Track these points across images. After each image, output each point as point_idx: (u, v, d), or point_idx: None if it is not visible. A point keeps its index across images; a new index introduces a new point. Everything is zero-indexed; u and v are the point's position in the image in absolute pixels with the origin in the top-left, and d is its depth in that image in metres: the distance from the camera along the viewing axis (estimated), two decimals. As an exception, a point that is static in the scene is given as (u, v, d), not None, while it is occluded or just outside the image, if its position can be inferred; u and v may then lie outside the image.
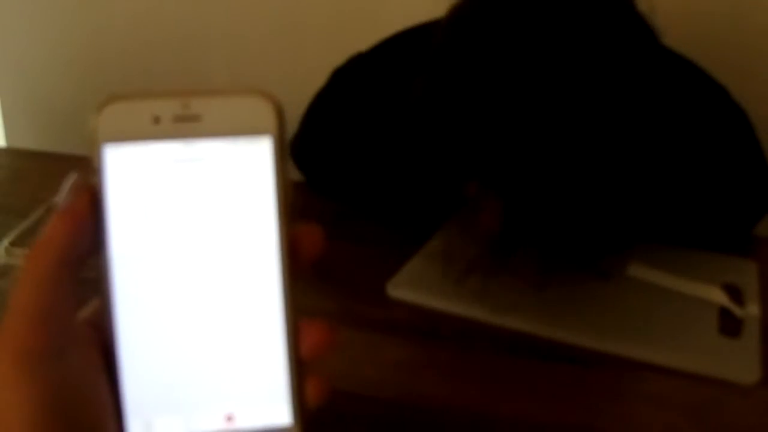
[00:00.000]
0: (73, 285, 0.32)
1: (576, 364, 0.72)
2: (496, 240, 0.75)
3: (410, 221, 1.02)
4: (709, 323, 0.76)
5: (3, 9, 1.48)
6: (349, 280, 0.84)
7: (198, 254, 0.33)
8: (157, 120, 0.32)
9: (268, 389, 0.34)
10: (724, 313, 0.78)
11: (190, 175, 0.32)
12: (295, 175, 1.08)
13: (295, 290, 0.34)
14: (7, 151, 1.35)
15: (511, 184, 0.72)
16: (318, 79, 1.02)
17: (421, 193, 0.98)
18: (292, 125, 1.06)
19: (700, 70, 0.90)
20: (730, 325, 0.76)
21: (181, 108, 0.32)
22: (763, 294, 0.82)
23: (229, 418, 0.34)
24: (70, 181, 0.41)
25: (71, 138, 1.13)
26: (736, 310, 0.78)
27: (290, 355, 0.33)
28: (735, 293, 0.81)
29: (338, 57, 1.01)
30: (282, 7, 1.23)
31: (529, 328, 0.76)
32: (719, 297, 0.80)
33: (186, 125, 0.32)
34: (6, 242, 0.84)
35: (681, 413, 0.66)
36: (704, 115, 0.90)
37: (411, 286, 0.82)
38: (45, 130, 1.55)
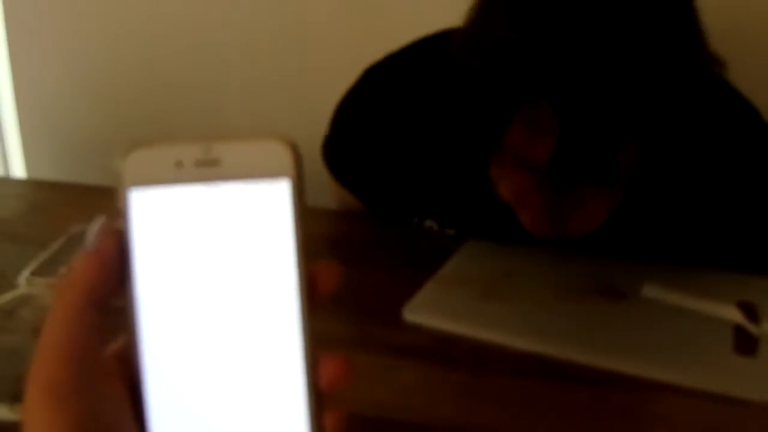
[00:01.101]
0: (101, 322, 0.33)
1: (590, 384, 0.72)
2: (553, 165, 0.73)
3: (435, 220, 1.03)
4: (724, 342, 0.77)
5: (26, 40, 1.50)
6: (365, 305, 0.84)
7: (220, 292, 0.34)
8: (179, 164, 0.33)
9: (289, 422, 0.34)
10: (739, 332, 0.78)
11: (212, 217, 0.34)
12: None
13: (313, 325, 0.35)
14: (27, 182, 1.37)
15: (572, 97, 0.70)
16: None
17: (449, 191, 1.00)
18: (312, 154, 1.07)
19: (731, 86, 0.90)
20: (745, 343, 0.76)
21: (203, 153, 0.33)
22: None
23: None
24: (99, 223, 0.43)
25: (90, 169, 1.14)
26: (752, 328, 0.78)
27: (309, 388, 0.34)
28: (750, 311, 0.81)
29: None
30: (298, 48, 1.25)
31: (542, 350, 0.76)
32: (734, 315, 0.80)
33: (207, 169, 0.33)
34: (27, 272, 0.86)
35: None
36: (732, 132, 0.90)
37: (427, 310, 0.82)
38: (65, 161, 1.57)
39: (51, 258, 0.88)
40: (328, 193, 1.13)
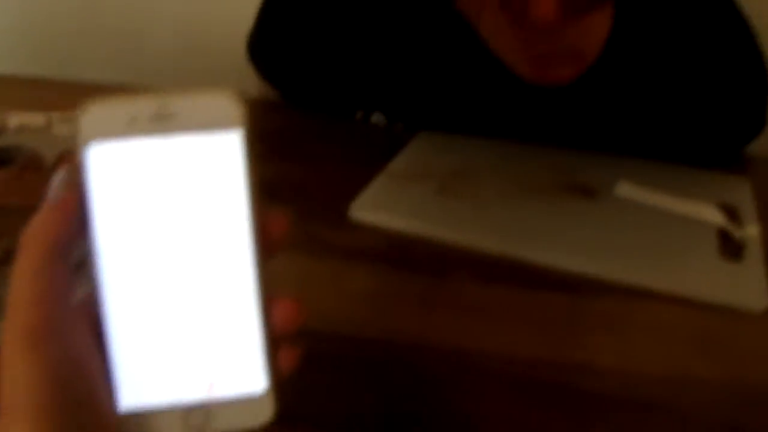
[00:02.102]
0: (66, 271, 0.35)
1: (565, 291, 0.64)
2: None
3: (383, 112, 0.93)
4: (708, 246, 0.69)
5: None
6: (308, 203, 0.74)
7: (177, 240, 0.36)
8: (134, 119, 0.35)
9: (245, 361, 0.37)
10: (723, 235, 0.71)
11: (168, 168, 0.35)
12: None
13: (266, 270, 0.37)
14: None
15: None
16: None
17: (395, 77, 0.89)
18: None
19: None
20: (730, 247, 0.69)
21: (157, 107, 0.35)
22: (761, 214, 0.75)
23: (211, 387, 0.37)
24: (59, 176, 0.44)
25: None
26: (735, 231, 0.71)
27: (264, 330, 0.37)
28: (731, 213, 0.74)
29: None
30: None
31: (510, 251, 0.67)
32: (716, 217, 0.73)
33: (162, 123, 0.35)
34: None
35: (686, 344, 0.59)
36: (703, 20, 0.81)
37: (377, 208, 0.73)
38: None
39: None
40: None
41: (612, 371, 0.56)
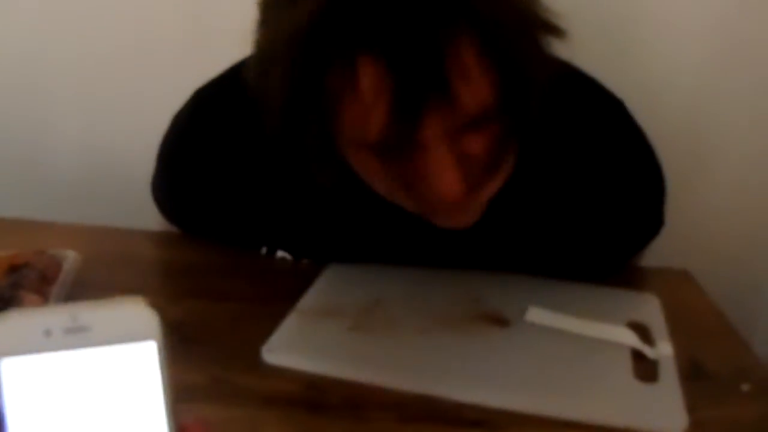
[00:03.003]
0: None
1: (484, 428, 0.63)
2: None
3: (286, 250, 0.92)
4: (622, 368, 0.69)
5: None
6: (217, 345, 0.72)
7: None
8: (48, 333, 0.34)
9: None
10: (636, 355, 0.72)
11: (84, 380, 0.35)
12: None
13: None
14: None
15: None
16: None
17: (295, 217, 0.89)
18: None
19: (595, 82, 0.84)
20: (645, 368, 0.70)
21: (71, 320, 0.34)
22: (671, 331, 0.76)
23: None
24: None
25: None
26: (649, 352, 0.72)
27: None
28: (643, 332, 0.75)
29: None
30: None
31: (428, 390, 0.66)
32: (628, 338, 0.73)
33: (76, 336, 0.34)
34: None
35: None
36: (598, 131, 0.83)
37: (289, 349, 0.71)
38: None
39: None
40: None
41: None
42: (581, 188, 0.83)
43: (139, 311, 0.35)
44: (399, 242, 0.87)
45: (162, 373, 0.36)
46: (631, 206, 0.86)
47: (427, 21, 0.58)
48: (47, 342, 0.34)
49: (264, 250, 0.93)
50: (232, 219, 0.92)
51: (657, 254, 0.94)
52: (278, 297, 0.80)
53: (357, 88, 0.60)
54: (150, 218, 1.00)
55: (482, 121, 0.64)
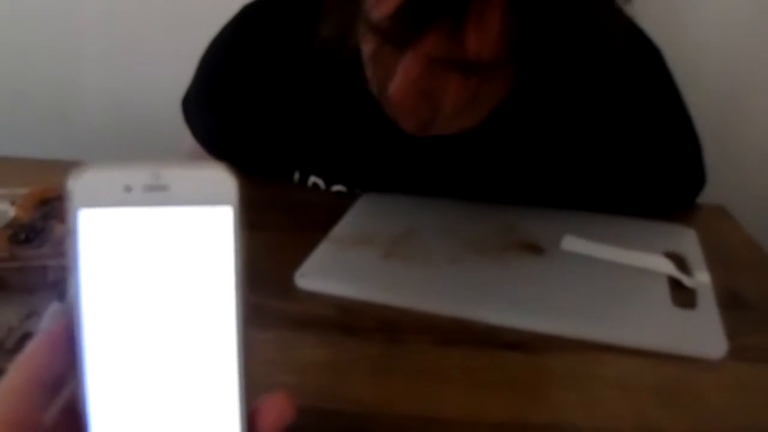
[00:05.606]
0: (45, 400, 0.36)
1: (523, 350, 0.62)
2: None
3: (320, 176, 0.91)
4: (661, 295, 0.68)
5: None
6: (253, 273, 0.71)
7: (162, 314, 0.36)
8: (128, 188, 0.35)
9: None
10: (673, 284, 0.71)
11: (158, 239, 0.35)
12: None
13: (250, 360, 0.37)
14: None
15: None
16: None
17: (332, 140, 0.89)
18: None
19: (639, 29, 0.83)
20: (682, 296, 0.69)
21: (152, 178, 0.35)
22: (708, 262, 0.75)
23: None
24: (53, 307, 0.51)
25: None
26: (686, 280, 0.71)
27: (242, 422, 0.36)
28: (680, 262, 0.74)
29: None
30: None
31: (463, 314, 0.65)
32: (666, 266, 0.72)
33: (155, 194, 0.35)
34: None
35: (649, 395, 0.57)
36: (632, 71, 0.82)
37: (323, 275, 0.70)
38: None
39: None
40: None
41: (581, 429, 0.54)
42: (613, 129, 0.83)
43: (219, 176, 0.36)
44: (431, 172, 0.86)
45: (236, 239, 0.36)
46: (668, 155, 0.86)
47: None
48: (127, 197, 0.35)
49: (297, 176, 0.92)
50: (265, 137, 0.91)
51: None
52: (312, 227, 0.79)
53: None
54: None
55: (476, 69, 0.64)
